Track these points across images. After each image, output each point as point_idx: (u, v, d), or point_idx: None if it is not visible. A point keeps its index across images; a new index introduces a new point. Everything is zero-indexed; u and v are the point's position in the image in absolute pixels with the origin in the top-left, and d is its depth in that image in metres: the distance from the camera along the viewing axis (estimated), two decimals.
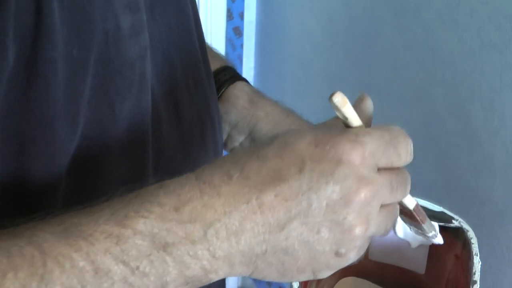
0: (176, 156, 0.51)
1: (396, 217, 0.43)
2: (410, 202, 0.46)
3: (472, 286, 0.52)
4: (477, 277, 0.52)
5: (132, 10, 0.43)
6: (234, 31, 1.44)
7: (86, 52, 0.40)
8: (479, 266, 0.53)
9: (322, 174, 0.38)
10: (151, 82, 0.47)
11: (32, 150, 0.39)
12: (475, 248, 0.55)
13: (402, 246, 0.58)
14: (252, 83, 1.61)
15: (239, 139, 0.62)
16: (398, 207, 0.43)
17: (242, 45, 1.46)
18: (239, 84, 0.62)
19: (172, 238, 0.36)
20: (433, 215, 0.58)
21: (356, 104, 0.44)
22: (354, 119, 0.41)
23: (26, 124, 0.38)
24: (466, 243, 0.56)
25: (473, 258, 0.54)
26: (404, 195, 0.43)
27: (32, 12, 0.36)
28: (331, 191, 0.38)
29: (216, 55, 0.66)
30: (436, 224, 0.57)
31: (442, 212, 0.58)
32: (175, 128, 0.51)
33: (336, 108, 0.40)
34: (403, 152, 0.41)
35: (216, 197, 0.37)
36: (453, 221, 0.57)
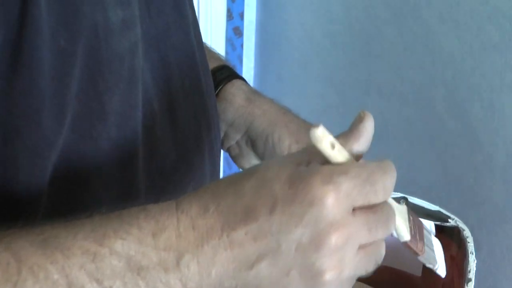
0: (170, 155, 0.51)
1: (381, 256, 0.42)
2: (403, 234, 0.43)
3: (467, 284, 0.52)
4: (472, 275, 0.52)
5: (123, 5, 0.43)
6: (234, 31, 1.44)
7: (74, 44, 0.40)
8: (474, 265, 0.53)
9: (292, 216, 0.37)
10: (145, 79, 0.46)
11: (16, 142, 0.39)
12: (470, 247, 0.54)
13: (399, 246, 0.58)
14: (252, 83, 1.60)
15: (236, 137, 0.62)
16: (382, 244, 0.41)
17: (242, 45, 1.46)
18: (236, 83, 0.62)
19: (146, 262, 0.37)
20: (430, 214, 0.57)
21: (355, 124, 0.42)
22: (333, 157, 0.39)
23: (9, 114, 0.38)
24: (462, 243, 0.55)
25: (468, 257, 0.53)
26: (387, 232, 0.41)
27: None
28: (301, 234, 0.37)
29: (214, 55, 0.65)
30: (432, 223, 0.56)
31: (438, 212, 0.58)
32: (169, 126, 0.50)
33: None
34: (380, 189, 0.39)
35: (190, 229, 0.38)
36: (449, 220, 0.57)
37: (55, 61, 0.39)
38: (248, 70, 1.48)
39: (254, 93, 0.62)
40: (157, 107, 0.49)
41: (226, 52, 1.44)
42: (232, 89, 0.61)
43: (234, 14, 1.42)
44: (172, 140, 0.51)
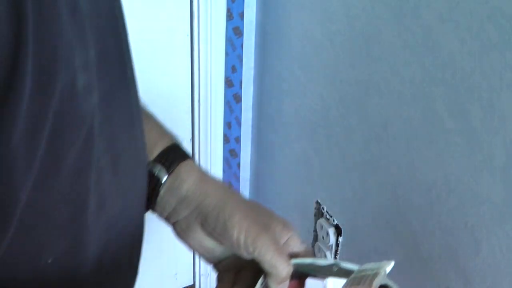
0: (114, 207, 0.53)
1: None
2: None
3: None
4: None
5: (85, 69, 0.44)
6: (234, 31, 1.44)
7: (47, 108, 0.41)
8: None
9: None
10: (98, 138, 0.48)
11: None
12: None
13: None
14: (252, 83, 1.60)
15: (185, 212, 0.65)
16: None
17: (242, 45, 1.46)
18: (189, 162, 0.66)
19: None
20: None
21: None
22: None
23: None
24: None
25: None
26: None
27: (4, 70, 0.37)
28: None
29: (166, 131, 0.70)
30: None
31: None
32: (114, 180, 0.53)
33: None
34: None
35: None
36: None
37: (29, 124, 0.40)
38: (248, 70, 1.48)
39: (205, 173, 0.67)
40: (105, 162, 0.51)
41: (226, 52, 1.44)
42: (187, 167, 0.65)
43: (234, 14, 1.42)
44: (116, 193, 0.53)
